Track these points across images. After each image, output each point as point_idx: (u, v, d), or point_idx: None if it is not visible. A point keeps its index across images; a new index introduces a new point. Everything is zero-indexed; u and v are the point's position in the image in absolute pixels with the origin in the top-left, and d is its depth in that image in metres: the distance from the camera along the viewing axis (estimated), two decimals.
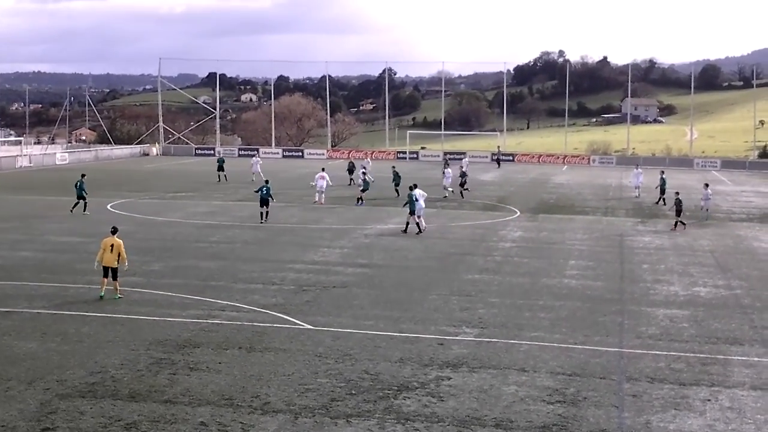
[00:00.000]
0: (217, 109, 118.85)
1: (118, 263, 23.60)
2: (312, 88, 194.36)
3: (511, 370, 17.78)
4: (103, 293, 23.49)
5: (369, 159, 72.74)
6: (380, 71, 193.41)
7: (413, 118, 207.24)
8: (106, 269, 23.61)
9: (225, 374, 17.15)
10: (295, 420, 14.75)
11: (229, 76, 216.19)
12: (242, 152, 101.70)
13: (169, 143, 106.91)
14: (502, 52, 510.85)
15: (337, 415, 14.99)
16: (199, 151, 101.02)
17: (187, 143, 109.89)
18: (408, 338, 20.10)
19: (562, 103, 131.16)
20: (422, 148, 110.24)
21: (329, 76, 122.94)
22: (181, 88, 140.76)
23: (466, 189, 54.79)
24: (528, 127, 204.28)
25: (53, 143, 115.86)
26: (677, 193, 42.13)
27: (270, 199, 40.59)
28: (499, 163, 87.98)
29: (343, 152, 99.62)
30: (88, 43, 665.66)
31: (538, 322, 22.06)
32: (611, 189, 64.06)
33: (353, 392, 16.20)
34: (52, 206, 45.32)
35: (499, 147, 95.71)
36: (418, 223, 37.42)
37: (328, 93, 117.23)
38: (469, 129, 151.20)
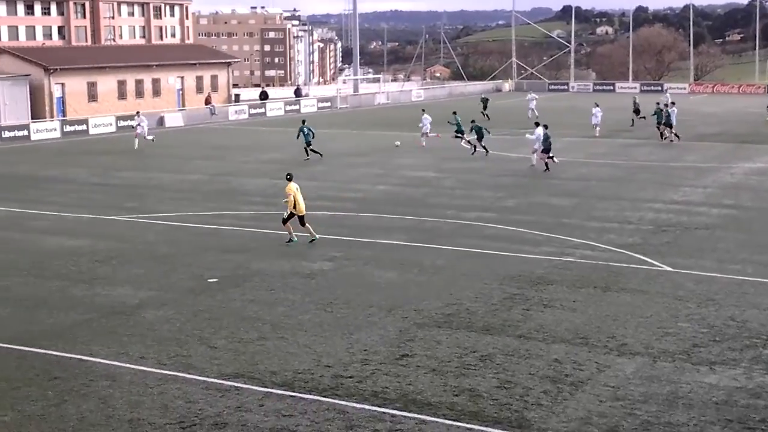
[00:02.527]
0: (572, 43, 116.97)
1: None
2: (673, 19, 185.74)
3: None
4: (315, 238, 22.66)
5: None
6: None
7: None
8: (300, 217, 22.44)
9: (580, 313, 16.71)
10: (654, 363, 14.02)
11: (584, 8, 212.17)
12: (596, 87, 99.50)
13: (521, 79, 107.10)
14: None
15: (699, 362, 14.06)
16: (552, 87, 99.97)
17: (540, 78, 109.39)
18: None
19: None
20: None
21: (693, 5, 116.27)
22: (534, 23, 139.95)
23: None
24: None
25: (409, 80, 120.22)
26: None
27: (486, 132, 41.12)
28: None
29: (707, 86, 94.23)
30: None
31: None
32: None
33: (717, 339, 15.13)
34: (407, 142, 46.90)
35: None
36: (547, 161, 35.84)
37: (691, 23, 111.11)
38: None
